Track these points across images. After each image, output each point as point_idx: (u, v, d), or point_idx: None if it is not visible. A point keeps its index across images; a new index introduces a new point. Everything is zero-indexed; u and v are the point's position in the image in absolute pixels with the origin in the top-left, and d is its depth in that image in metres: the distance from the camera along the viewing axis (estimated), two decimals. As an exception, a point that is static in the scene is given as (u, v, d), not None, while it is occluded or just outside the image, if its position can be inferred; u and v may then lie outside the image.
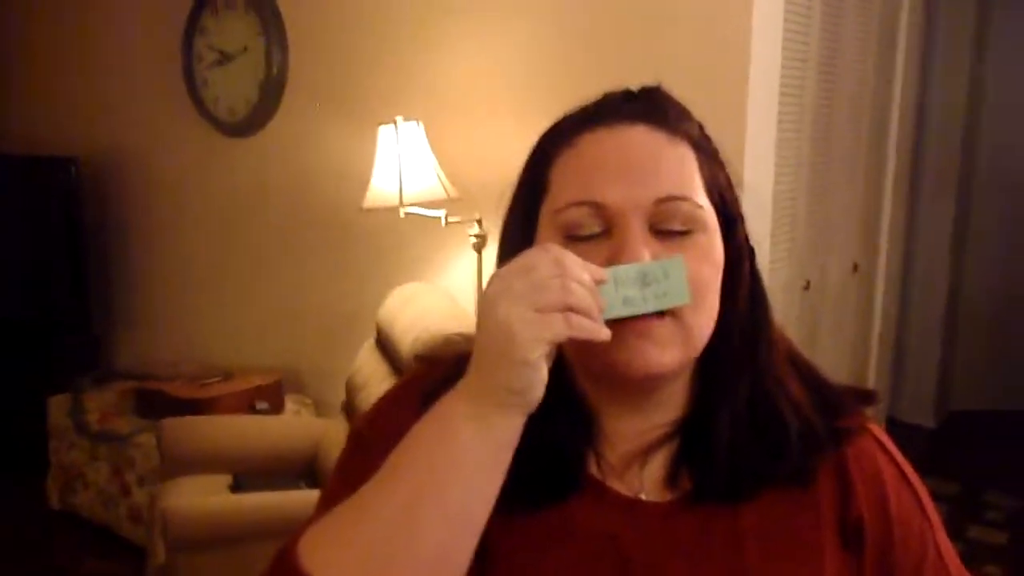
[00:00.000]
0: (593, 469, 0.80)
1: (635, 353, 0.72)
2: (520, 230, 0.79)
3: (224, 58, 3.44)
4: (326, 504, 0.78)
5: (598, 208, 0.73)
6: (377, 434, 0.82)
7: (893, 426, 4.11)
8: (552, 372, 0.71)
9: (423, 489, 0.68)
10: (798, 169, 2.75)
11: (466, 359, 0.79)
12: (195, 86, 3.55)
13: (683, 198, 0.74)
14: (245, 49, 3.37)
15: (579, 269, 0.67)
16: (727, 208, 0.79)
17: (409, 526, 0.67)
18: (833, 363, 3.21)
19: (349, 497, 0.71)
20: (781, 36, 2.49)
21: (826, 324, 3.12)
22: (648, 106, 0.78)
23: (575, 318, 0.65)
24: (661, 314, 0.72)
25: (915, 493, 0.82)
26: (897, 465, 0.83)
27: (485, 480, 0.69)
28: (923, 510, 0.82)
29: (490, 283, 0.68)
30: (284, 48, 3.28)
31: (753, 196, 2.43)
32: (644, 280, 0.70)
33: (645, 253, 0.72)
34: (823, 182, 2.95)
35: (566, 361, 0.79)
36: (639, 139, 0.75)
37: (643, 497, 0.80)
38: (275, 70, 3.28)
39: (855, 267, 3.31)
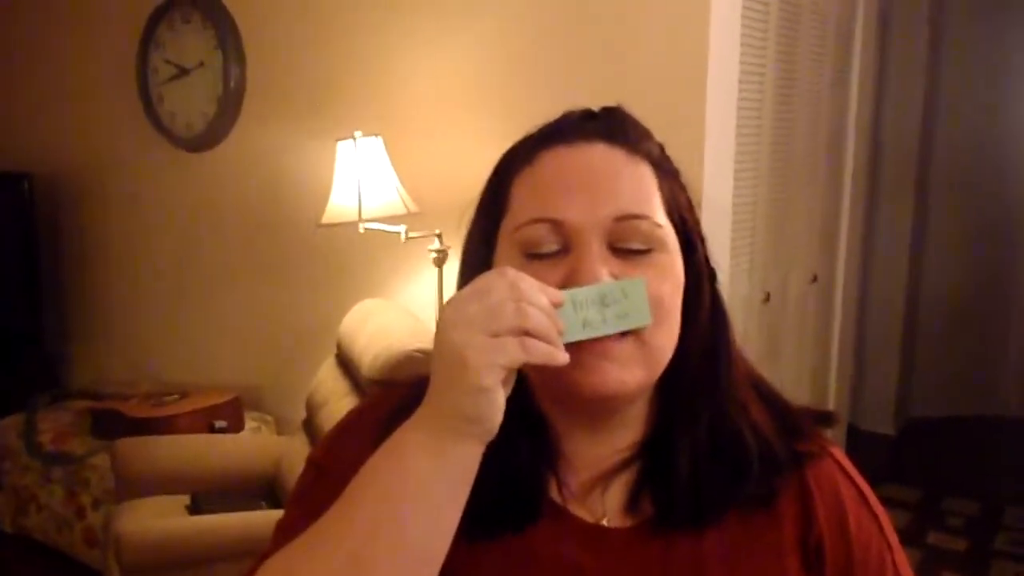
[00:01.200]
0: (554, 494, 0.79)
1: (596, 374, 0.72)
2: (480, 250, 0.79)
3: (181, 72, 3.40)
4: (283, 534, 0.78)
5: (556, 225, 0.72)
6: (333, 463, 0.81)
7: (854, 434, 4.15)
8: (513, 395, 0.71)
9: (379, 524, 0.66)
10: (757, 182, 2.77)
11: (425, 381, 0.78)
12: (151, 101, 3.50)
13: (642, 216, 0.73)
14: (202, 63, 3.33)
15: (536, 292, 0.66)
16: (687, 228, 0.78)
17: (366, 562, 0.65)
18: (794, 374, 3.23)
19: (306, 528, 0.70)
20: (738, 48, 2.51)
21: (786, 335, 3.14)
22: (608, 125, 0.78)
23: (531, 342, 0.64)
24: (622, 334, 0.71)
25: (875, 516, 0.82)
26: (857, 487, 0.83)
27: (443, 513, 0.67)
28: (882, 532, 0.82)
29: (445, 308, 0.67)
30: (242, 62, 3.25)
31: (712, 209, 2.45)
32: (604, 301, 0.69)
33: (603, 272, 0.71)
34: (782, 194, 2.97)
35: (528, 383, 0.79)
36: (598, 156, 0.75)
37: (605, 523, 0.79)
38: (232, 84, 3.25)
39: (814, 278, 3.33)
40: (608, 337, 0.70)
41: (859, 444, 4.01)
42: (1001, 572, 3.22)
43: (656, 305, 0.72)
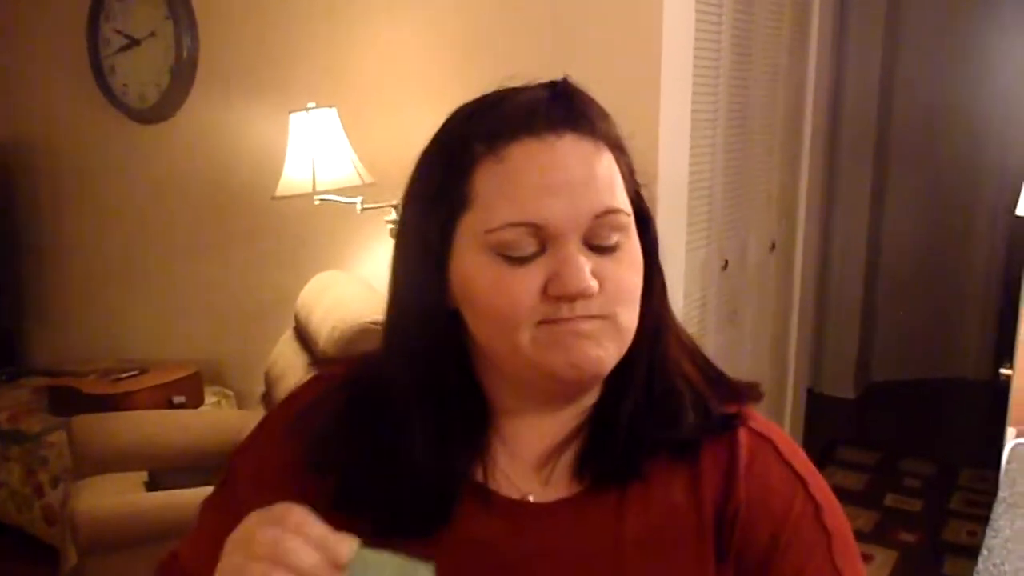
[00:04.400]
0: (478, 475, 0.79)
1: (577, 353, 0.72)
2: (434, 238, 0.76)
3: (131, 43, 3.33)
4: (200, 526, 0.86)
5: (536, 228, 0.71)
6: (242, 466, 0.87)
7: (814, 399, 4.21)
8: (449, 374, 0.75)
9: None
10: (714, 149, 2.77)
11: (356, 362, 0.86)
12: (102, 72, 3.43)
13: (617, 210, 0.73)
14: (153, 34, 3.26)
15: (304, 554, 0.61)
16: (641, 203, 0.79)
17: None
18: (754, 340, 3.25)
19: (217, 524, 0.72)
20: (694, 17, 2.50)
21: (746, 302, 3.16)
22: (570, 109, 0.75)
23: None
24: (593, 316, 0.72)
25: (812, 500, 0.79)
26: (793, 472, 0.81)
27: None
28: (819, 517, 0.79)
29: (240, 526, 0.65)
30: (194, 31, 3.19)
31: (669, 177, 2.45)
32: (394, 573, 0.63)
33: (588, 275, 0.71)
34: (739, 162, 2.97)
35: (472, 364, 0.79)
36: (571, 152, 0.72)
37: (531, 499, 0.79)
38: (185, 54, 3.19)
39: (773, 245, 3.35)
40: (582, 316, 0.72)
41: (819, 408, 4.07)
42: (955, 531, 3.29)
43: (628, 295, 0.74)
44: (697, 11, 2.51)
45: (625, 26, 2.40)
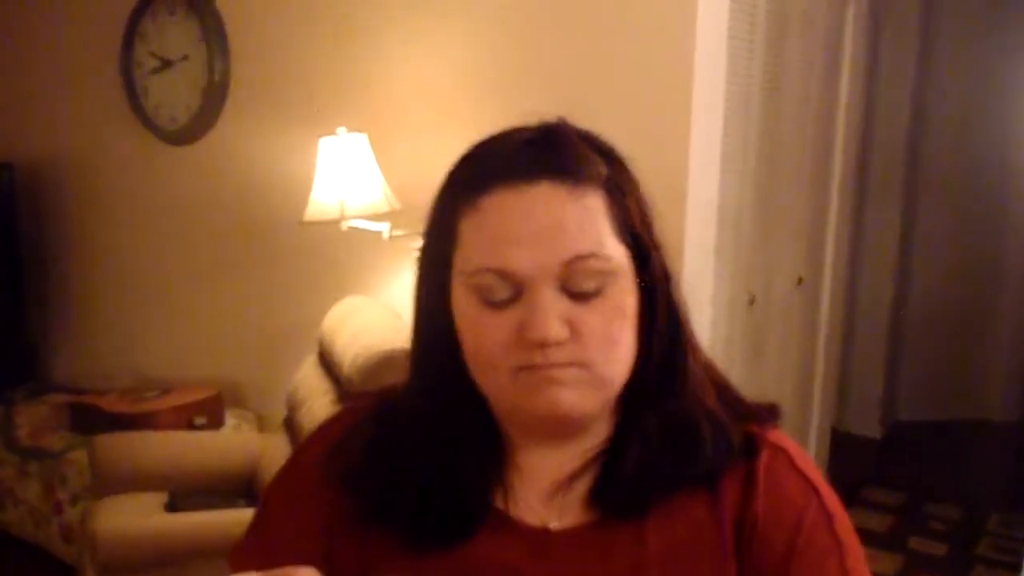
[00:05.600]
0: (499, 503, 0.82)
1: (550, 400, 0.75)
2: (439, 278, 0.80)
3: (164, 65, 3.36)
4: (240, 557, 0.87)
5: (506, 274, 0.74)
6: (274, 508, 0.91)
7: (839, 437, 4.14)
8: (467, 407, 0.80)
9: None
10: (742, 183, 2.76)
11: (386, 396, 0.89)
12: (135, 93, 3.46)
13: (590, 255, 0.74)
14: (186, 56, 3.29)
15: None
16: (640, 243, 0.78)
17: None
18: (778, 377, 3.22)
19: (256, 560, 0.75)
20: (725, 50, 2.49)
21: (771, 338, 3.13)
22: (550, 154, 0.76)
23: None
24: (568, 363, 0.74)
25: (826, 511, 0.81)
26: (808, 481, 0.82)
27: None
28: (832, 529, 0.80)
29: None
30: (226, 55, 3.22)
31: (697, 210, 2.43)
32: None
33: (554, 323, 0.73)
34: (768, 196, 2.95)
35: (481, 395, 0.81)
36: (542, 199, 0.74)
37: (551, 527, 0.81)
38: (217, 77, 3.22)
39: (800, 280, 3.32)
40: (555, 364, 0.73)
41: (844, 447, 4.01)
42: (982, 577, 3.22)
43: (606, 343, 0.75)
44: (729, 42, 2.50)
45: (657, 57, 2.39)
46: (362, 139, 2.65)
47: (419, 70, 2.82)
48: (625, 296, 0.77)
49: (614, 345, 0.76)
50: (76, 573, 2.69)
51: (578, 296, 0.74)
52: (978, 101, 4.51)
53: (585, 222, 0.74)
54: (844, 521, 0.81)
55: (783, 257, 3.16)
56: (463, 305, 0.77)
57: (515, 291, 0.74)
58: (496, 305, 0.75)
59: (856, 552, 0.80)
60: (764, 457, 0.81)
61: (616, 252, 0.76)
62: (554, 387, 0.74)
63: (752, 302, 2.90)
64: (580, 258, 0.73)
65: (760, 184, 2.88)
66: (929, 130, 4.53)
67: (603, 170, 0.77)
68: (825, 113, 3.36)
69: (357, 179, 2.60)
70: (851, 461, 4.03)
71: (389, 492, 0.82)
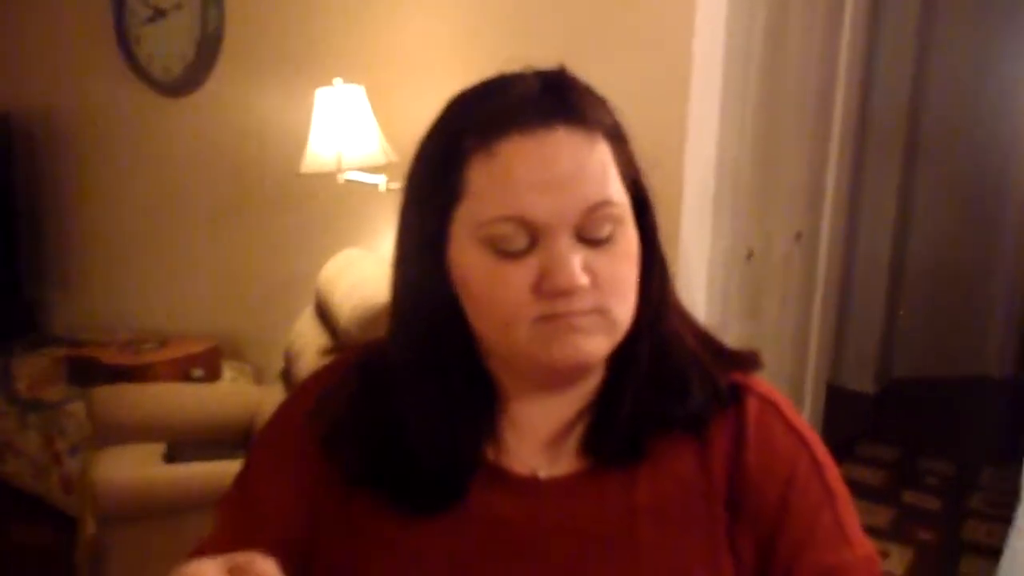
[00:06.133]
0: (490, 455, 0.82)
1: (566, 346, 0.73)
2: (432, 228, 0.77)
3: (158, 14, 3.32)
4: (219, 526, 0.87)
5: (525, 222, 0.72)
6: (260, 459, 0.90)
7: (834, 392, 4.16)
8: (458, 362, 0.79)
9: None
10: (742, 137, 2.73)
11: (373, 348, 0.87)
12: (128, 43, 3.43)
13: (606, 202, 0.74)
14: (179, 5, 3.26)
15: None
16: (639, 190, 0.79)
17: None
18: (775, 332, 3.22)
19: (241, 511, 0.82)
20: (726, 2, 2.46)
21: (769, 293, 3.13)
22: (561, 100, 0.75)
23: None
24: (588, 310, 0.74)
25: (816, 462, 0.82)
26: (798, 434, 0.83)
27: None
28: (823, 479, 0.81)
29: None
30: (220, 4, 3.18)
31: (695, 164, 2.42)
32: None
33: (578, 269, 0.72)
34: (768, 151, 2.93)
35: (477, 348, 0.80)
36: (561, 145, 0.73)
37: (540, 475, 0.81)
38: (211, 27, 3.18)
39: (798, 236, 3.31)
40: (577, 312, 0.73)
41: (839, 402, 4.03)
42: (974, 531, 3.25)
43: (621, 286, 0.75)
44: (731, -2, 2.47)
45: (657, 12, 2.36)
46: (359, 91, 2.62)
47: (416, 21, 2.79)
48: (632, 240, 0.77)
49: (627, 290, 0.76)
50: (76, 523, 2.72)
51: (592, 242, 0.74)
52: (980, 60, 4.47)
53: (601, 169, 0.74)
54: (834, 471, 0.83)
55: (782, 212, 3.15)
56: (470, 257, 0.75)
57: (531, 240, 0.73)
58: (512, 255, 0.73)
59: (847, 502, 0.82)
60: (753, 407, 0.82)
61: (623, 199, 0.76)
62: (577, 335, 0.73)
63: (750, 257, 2.90)
64: (599, 205, 0.73)
65: (759, 139, 2.86)
66: (930, 86, 4.49)
67: (608, 118, 0.77)
68: (826, 69, 3.32)
69: (354, 131, 2.58)
70: (846, 416, 4.05)
71: (375, 454, 0.81)
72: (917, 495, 3.49)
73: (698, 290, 2.53)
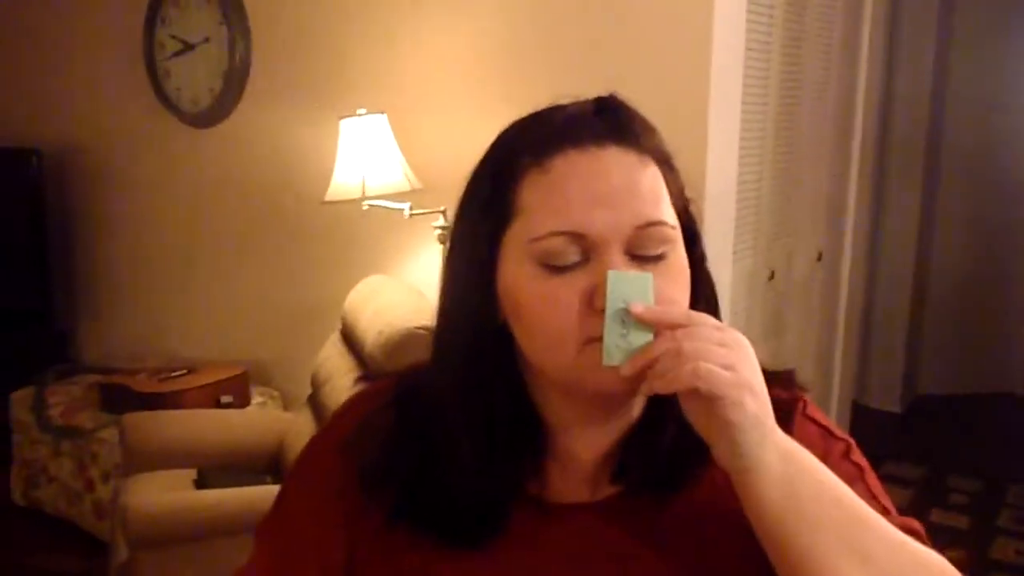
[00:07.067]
0: (532, 488, 0.81)
1: (609, 372, 0.72)
2: (482, 251, 0.77)
3: (185, 47, 3.39)
4: (256, 553, 0.86)
5: (579, 237, 0.72)
6: (295, 489, 0.89)
7: (859, 412, 4.15)
8: (501, 389, 0.78)
9: None
10: (762, 158, 2.76)
11: (408, 377, 0.86)
12: (157, 76, 3.50)
13: (660, 222, 0.74)
14: (207, 39, 3.32)
15: None
16: (689, 219, 0.80)
17: None
18: (799, 352, 3.23)
19: (277, 544, 0.83)
20: (744, 21, 2.49)
21: (792, 313, 3.13)
22: (614, 122, 0.76)
23: None
24: None
25: (841, 440, 0.82)
26: (818, 425, 0.83)
27: None
28: (849, 455, 0.82)
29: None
30: (247, 38, 3.24)
31: (716, 186, 2.44)
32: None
33: None
34: (788, 171, 2.95)
35: (522, 381, 0.80)
36: (614, 162, 0.73)
37: (577, 500, 0.81)
38: (238, 60, 3.24)
39: (820, 256, 3.32)
40: None
41: (865, 421, 4.02)
42: (1003, 549, 3.23)
43: (672, 306, 0.73)
44: (748, 19, 2.50)
45: (675, 34, 2.39)
46: (382, 119, 2.67)
47: (438, 50, 2.83)
48: (683, 264, 0.77)
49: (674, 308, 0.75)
50: (108, 548, 2.75)
51: (643, 259, 0.73)
52: (1000, 77, 4.47)
53: (654, 189, 0.75)
54: (857, 449, 0.83)
55: (803, 232, 3.16)
56: (521, 276, 0.74)
57: (582, 255, 0.72)
58: (561, 270, 0.72)
59: (873, 474, 0.82)
60: (797, 426, 0.81)
61: (675, 222, 0.76)
62: None
63: (772, 277, 2.91)
64: (652, 224, 0.73)
65: (779, 159, 2.88)
66: (950, 105, 4.50)
67: (659, 144, 0.78)
68: (845, 87, 3.34)
69: (377, 159, 2.62)
70: (872, 435, 4.01)
71: (415, 488, 0.80)
72: (945, 514, 3.47)
73: (722, 312, 2.54)
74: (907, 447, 4.11)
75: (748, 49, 2.53)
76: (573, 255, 0.72)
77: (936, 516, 3.44)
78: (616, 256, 0.72)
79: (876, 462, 0.85)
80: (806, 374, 3.30)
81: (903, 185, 4.40)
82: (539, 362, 0.77)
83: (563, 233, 0.72)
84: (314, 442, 0.90)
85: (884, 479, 0.84)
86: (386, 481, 0.81)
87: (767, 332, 2.94)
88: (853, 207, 3.57)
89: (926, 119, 4.33)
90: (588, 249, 0.72)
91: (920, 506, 3.49)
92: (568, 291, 0.72)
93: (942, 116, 4.47)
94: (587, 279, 0.72)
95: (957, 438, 4.29)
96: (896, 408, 4.54)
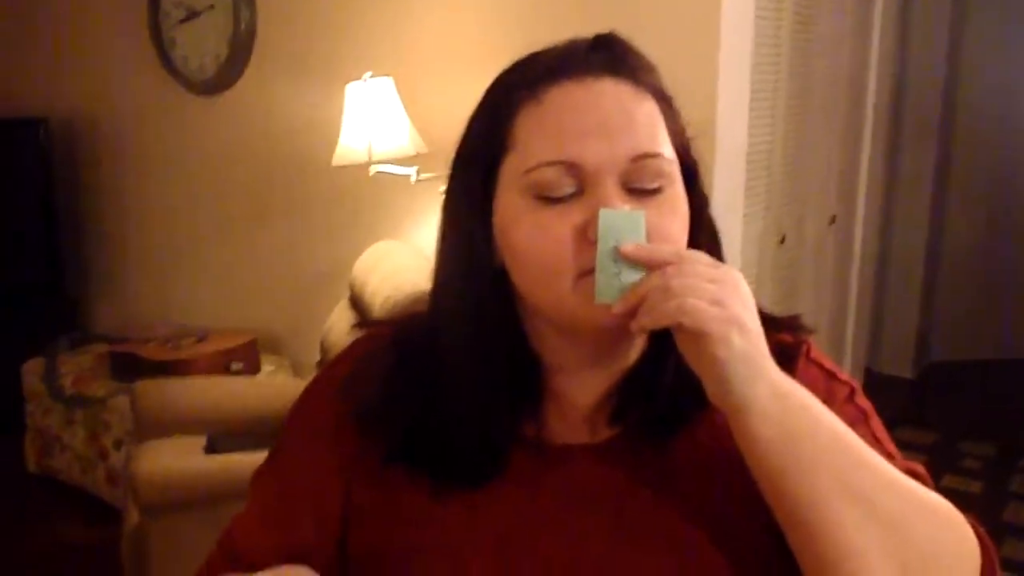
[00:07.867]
0: (529, 430, 0.80)
1: (603, 308, 0.71)
2: (478, 189, 0.76)
3: (191, 15, 3.37)
4: (252, 499, 0.85)
5: (572, 167, 0.71)
6: (292, 431, 0.87)
7: (872, 377, 4.13)
8: (499, 330, 0.77)
9: None
10: (773, 120, 2.72)
11: (407, 323, 0.85)
12: (163, 44, 3.48)
13: (656, 155, 0.73)
14: (212, 6, 3.30)
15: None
16: (688, 157, 0.78)
17: None
18: (811, 316, 3.17)
19: (274, 486, 0.83)
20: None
21: (804, 277, 3.11)
22: (611, 56, 0.75)
23: None
24: None
25: (845, 383, 0.82)
26: (822, 368, 0.82)
27: None
28: (853, 399, 0.81)
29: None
30: (252, 3, 3.22)
31: (726, 148, 2.41)
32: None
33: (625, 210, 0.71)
34: (800, 133, 2.92)
35: (520, 324, 0.79)
36: (609, 93, 0.73)
37: (576, 442, 0.80)
38: (243, 26, 3.22)
39: (833, 219, 3.29)
40: None
41: (877, 387, 4.00)
42: (1016, 514, 3.22)
43: (667, 241, 0.72)
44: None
45: (684, -6, 2.36)
46: (388, 83, 2.64)
47: (444, 14, 2.81)
48: (681, 199, 0.75)
49: (670, 243, 0.73)
50: (121, 514, 2.77)
51: (639, 193, 0.72)
52: (1015, 44, 4.40)
53: (650, 121, 0.74)
54: (860, 392, 0.82)
55: (815, 195, 3.13)
56: (515, 208, 0.73)
57: (577, 187, 0.72)
58: (554, 201, 0.72)
59: (877, 418, 0.81)
60: (800, 370, 0.80)
61: (673, 156, 0.75)
62: None
63: (783, 241, 2.89)
64: (648, 155, 0.72)
65: (792, 122, 2.84)
66: (965, 69, 4.43)
67: (658, 81, 0.77)
68: (858, 52, 3.30)
69: (384, 123, 2.61)
70: (884, 401, 3.98)
71: (413, 430, 0.79)
72: (958, 479, 3.46)
73: (725, 260, 2.52)
74: (920, 413, 4.09)
75: (758, 7, 2.49)
76: (567, 187, 0.72)
77: (949, 481, 3.42)
78: (611, 188, 0.71)
79: (889, 428, 0.84)
80: (819, 339, 3.27)
81: (917, 150, 4.34)
82: (534, 299, 0.76)
83: (556, 163, 0.71)
84: (311, 387, 0.88)
85: (897, 445, 0.83)
86: (384, 423, 0.80)
87: (778, 296, 2.92)
88: (866, 171, 3.53)
89: (941, 83, 4.27)
90: (582, 181, 0.72)
91: (933, 472, 3.41)
92: (562, 223, 0.71)
93: (957, 79, 4.41)
94: (581, 212, 0.71)
95: (970, 404, 4.27)
96: (909, 374, 4.52)
